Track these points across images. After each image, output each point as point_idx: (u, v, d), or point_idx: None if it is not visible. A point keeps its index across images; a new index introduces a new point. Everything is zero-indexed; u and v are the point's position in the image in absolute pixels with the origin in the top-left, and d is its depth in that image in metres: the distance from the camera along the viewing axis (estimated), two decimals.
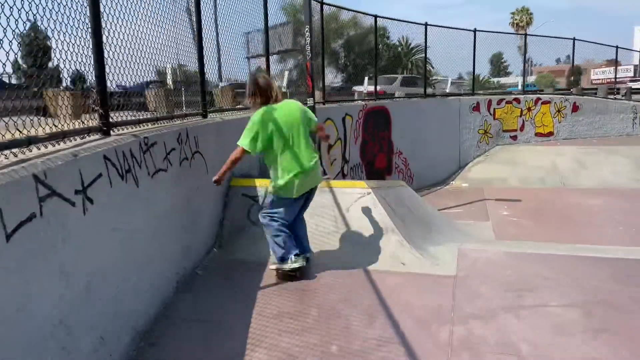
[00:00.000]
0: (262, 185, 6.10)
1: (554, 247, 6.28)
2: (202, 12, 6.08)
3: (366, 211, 5.67)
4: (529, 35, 14.54)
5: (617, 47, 16.61)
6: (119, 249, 3.46)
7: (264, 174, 6.72)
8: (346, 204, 5.75)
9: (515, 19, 35.36)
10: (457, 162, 13.40)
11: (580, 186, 12.08)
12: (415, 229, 6.08)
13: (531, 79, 27.68)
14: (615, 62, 17.54)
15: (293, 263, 4.52)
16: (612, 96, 16.79)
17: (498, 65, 43.26)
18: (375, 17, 11.27)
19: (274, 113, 4.34)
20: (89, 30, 3.64)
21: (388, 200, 6.05)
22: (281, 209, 4.56)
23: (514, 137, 14.39)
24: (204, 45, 6.13)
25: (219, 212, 5.87)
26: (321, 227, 5.63)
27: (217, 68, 7.73)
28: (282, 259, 4.58)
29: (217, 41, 7.42)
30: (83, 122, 3.61)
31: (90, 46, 3.64)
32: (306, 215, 5.72)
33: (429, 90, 13.90)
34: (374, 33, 13.06)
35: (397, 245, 5.36)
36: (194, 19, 6.06)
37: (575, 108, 15.20)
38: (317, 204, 5.75)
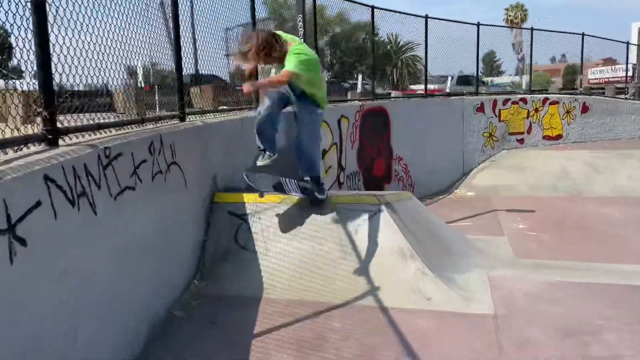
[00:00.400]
0: (252, 201, 5.30)
1: (598, 272, 5.59)
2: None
3: (378, 232, 4.91)
4: (535, 30, 13.99)
5: (627, 43, 16.14)
6: (67, 300, 2.64)
7: (252, 188, 5.93)
8: (354, 224, 4.98)
9: (510, 16, 35.05)
10: (460, 168, 12.74)
11: (596, 194, 11.48)
12: (433, 251, 5.34)
13: (525, 78, 27.19)
14: (626, 59, 17.09)
15: None
16: (622, 96, 16.31)
17: (491, 64, 43.00)
18: (373, 7, 10.57)
19: (308, 47, 4.72)
20: (29, 5, 2.82)
21: (402, 217, 5.30)
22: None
23: (521, 141, 13.81)
24: (180, 34, 5.31)
25: (200, 234, 5.06)
26: (324, 252, 4.85)
27: (193, 66, 6.95)
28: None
29: (194, 37, 6.64)
30: (17, 130, 2.78)
31: (30, 26, 2.82)
32: (304, 237, 4.97)
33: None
34: (369, 26, 12.38)
35: (419, 274, 4.61)
36: (167, 8, 5.24)
37: (584, 109, 14.70)
38: (318, 223, 4.98)
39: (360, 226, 4.95)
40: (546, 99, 14.06)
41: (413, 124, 11.23)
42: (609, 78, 29.07)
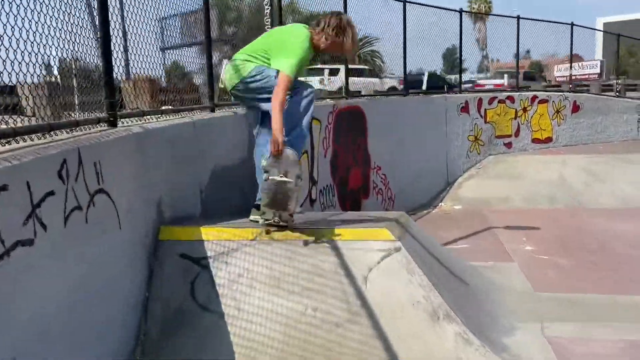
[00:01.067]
0: (215, 238, 4.05)
1: None
2: None
3: (397, 280, 3.76)
4: (521, 18, 13.29)
5: (619, 35, 15.77)
6: None
7: (209, 216, 4.70)
8: (363, 270, 3.82)
9: (473, 8, 34.88)
10: (444, 177, 11.87)
11: (601, 205, 10.84)
12: (462, 298, 4.24)
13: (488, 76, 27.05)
14: (617, 52, 16.72)
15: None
16: (612, 93, 16.04)
17: (452, 61, 42.96)
18: None
19: None
20: None
21: (420, 255, 4.17)
22: None
23: (509, 145, 13.22)
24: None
25: (140, 289, 3.77)
26: (323, 312, 3.65)
27: (124, 60, 5.68)
28: None
29: (124, 26, 5.41)
30: None
31: None
32: (294, 291, 3.77)
33: None
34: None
35: (460, 342, 3.49)
36: None
37: (575, 108, 14.27)
38: (313, 269, 3.79)
39: (371, 273, 3.78)
40: (535, 96, 13.49)
41: (392, 127, 10.22)
42: (576, 75, 29.29)
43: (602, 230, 9.24)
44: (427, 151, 11.29)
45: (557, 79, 29.41)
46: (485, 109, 12.58)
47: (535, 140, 13.64)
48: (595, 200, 10.92)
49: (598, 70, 27.95)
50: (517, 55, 13.71)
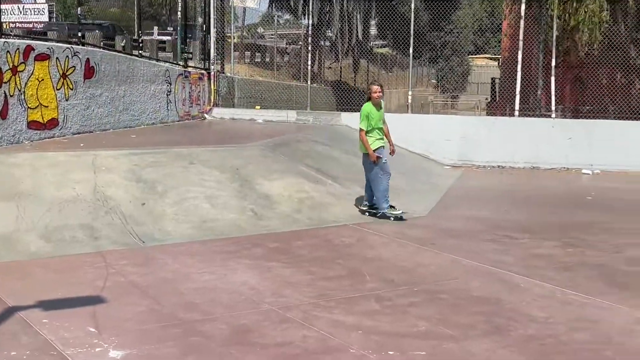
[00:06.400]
0: None
1: None
2: None
3: None
4: None
5: None
6: None
7: None
8: None
9: None
10: None
11: (176, 239, 9.21)
12: None
13: None
14: None
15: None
16: (136, 52, 15.05)
17: None
18: None
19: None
20: None
21: None
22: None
23: None
24: None
25: None
26: None
27: None
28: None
29: None
30: None
31: None
32: None
33: None
34: None
35: None
36: None
37: (89, 71, 13.01)
38: None
39: None
40: (30, 47, 11.38)
41: None
42: (17, 23, 28.86)
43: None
44: None
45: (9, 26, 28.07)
46: None
47: (33, 125, 12.12)
48: (179, 233, 9.46)
49: (46, 18, 27.28)
50: None
